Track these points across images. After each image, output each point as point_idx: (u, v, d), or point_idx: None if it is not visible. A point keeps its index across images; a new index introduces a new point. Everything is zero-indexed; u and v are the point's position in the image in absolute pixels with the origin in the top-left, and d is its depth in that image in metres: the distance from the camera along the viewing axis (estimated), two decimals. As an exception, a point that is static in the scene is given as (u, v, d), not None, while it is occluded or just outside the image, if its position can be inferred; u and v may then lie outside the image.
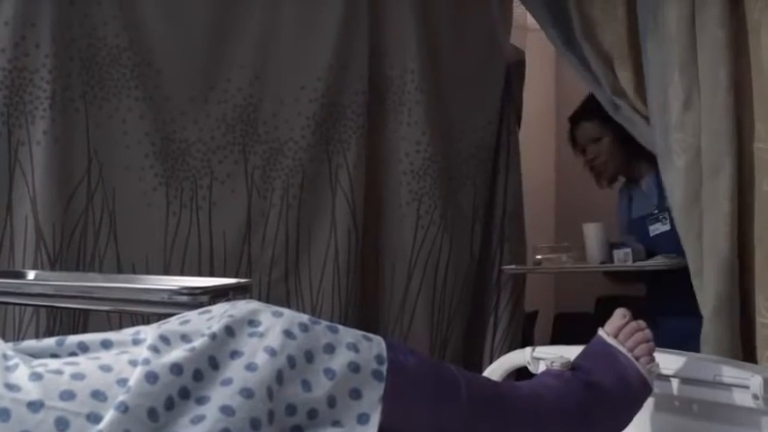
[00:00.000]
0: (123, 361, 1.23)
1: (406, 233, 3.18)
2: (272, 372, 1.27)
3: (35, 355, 1.29)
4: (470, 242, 3.32)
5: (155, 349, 1.25)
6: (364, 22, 3.09)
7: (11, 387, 1.14)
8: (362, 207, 3.07)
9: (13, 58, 2.57)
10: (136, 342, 1.30)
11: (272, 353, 1.29)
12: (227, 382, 1.24)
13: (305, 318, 1.39)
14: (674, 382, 1.72)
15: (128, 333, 1.34)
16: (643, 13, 2.31)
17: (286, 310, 1.40)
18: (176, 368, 1.22)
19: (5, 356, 1.21)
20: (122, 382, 1.19)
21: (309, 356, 1.32)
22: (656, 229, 2.86)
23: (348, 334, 1.39)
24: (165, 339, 1.28)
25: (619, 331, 1.65)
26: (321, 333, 1.36)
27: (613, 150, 2.98)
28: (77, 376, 1.18)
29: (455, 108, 3.28)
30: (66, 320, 2.61)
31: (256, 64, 2.94)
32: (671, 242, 2.60)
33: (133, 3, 2.78)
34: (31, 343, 1.34)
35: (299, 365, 1.30)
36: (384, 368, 1.35)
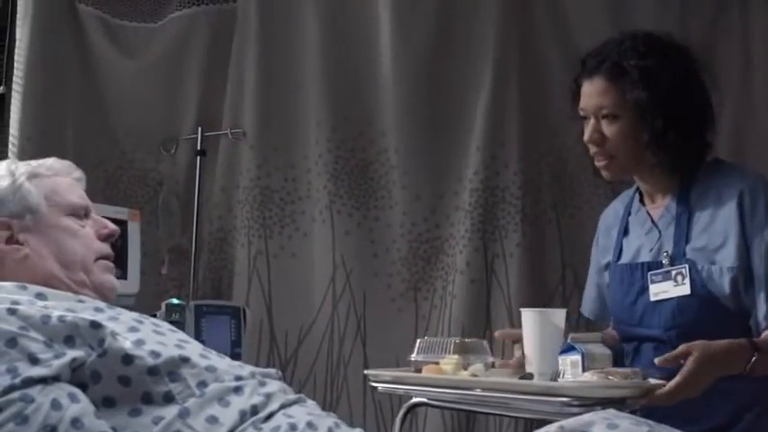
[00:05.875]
0: None
1: None
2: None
3: None
4: None
5: None
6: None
7: None
8: None
9: (485, 179, 2.78)
10: None
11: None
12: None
13: (643, 430, 1.27)
14: None
15: None
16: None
17: (624, 423, 1.30)
18: None
19: None
20: None
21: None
22: (663, 291, 1.87)
23: None
24: None
25: None
26: None
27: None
28: None
29: None
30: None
31: None
32: (688, 318, 1.81)
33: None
34: None
35: None
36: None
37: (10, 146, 2.72)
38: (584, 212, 2.81)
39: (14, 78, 2.77)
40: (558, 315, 1.75)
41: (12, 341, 1.31)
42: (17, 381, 1.26)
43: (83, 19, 2.97)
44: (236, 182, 2.94)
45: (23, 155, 2.68)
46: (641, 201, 2.05)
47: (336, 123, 2.89)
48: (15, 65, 2.78)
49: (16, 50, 2.79)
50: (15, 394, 1.25)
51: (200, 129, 2.96)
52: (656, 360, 1.64)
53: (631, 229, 2.05)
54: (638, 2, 2.81)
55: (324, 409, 2.71)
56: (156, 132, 3.01)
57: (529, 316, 1.76)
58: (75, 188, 1.66)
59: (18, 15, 2.81)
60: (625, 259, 2.03)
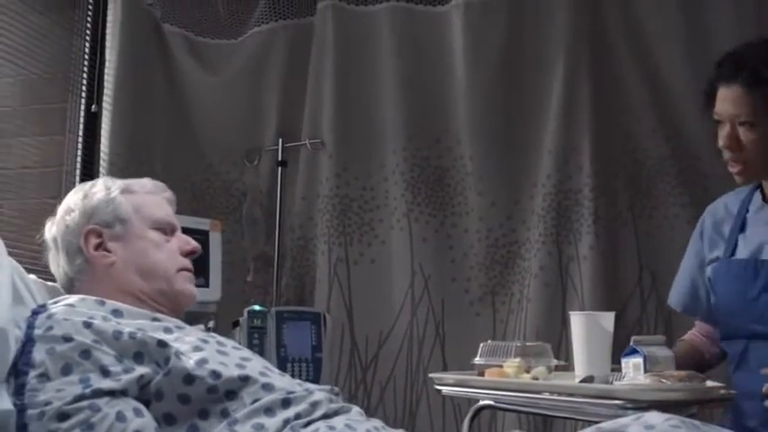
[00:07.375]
0: None
1: None
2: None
3: None
4: None
5: None
6: None
7: None
8: None
9: (557, 182, 2.79)
10: None
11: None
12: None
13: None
14: None
15: None
16: None
17: (660, 423, 1.31)
18: None
19: None
20: None
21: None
22: None
23: None
24: None
25: None
26: None
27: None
28: None
29: None
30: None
31: None
32: None
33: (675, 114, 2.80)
34: None
35: None
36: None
37: (101, 161, 2.87)
38: (661, 213, 2.78)
39: (104, 97, 2.92)
40: (607, 318, 1.75)
41: (86, 353, 1.41)
42: (87, 391, 1.36)
43: (168, 38, 3.12)
44: (316, 191, 3.03)
45: (113, 169, 2.82)
46: (764, 199, 2.02)
47: (412, 132, 2.96)
48: (105, 84, 2.93)
49: (106, 71, 2.94)
50: (84, 403, 1.35)
51: (280, 140, 3.06)
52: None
53: (750, 225, 2.02)
54: (712, 2, 2.76)
55: (404, 412, 2.81)
56: (239, 144, 3.13)
57: (577, 319, 1.77)
58: (163, 206, 1.76)
59: (107, 37, 2.96)
60: (742, 255, 1.99)
